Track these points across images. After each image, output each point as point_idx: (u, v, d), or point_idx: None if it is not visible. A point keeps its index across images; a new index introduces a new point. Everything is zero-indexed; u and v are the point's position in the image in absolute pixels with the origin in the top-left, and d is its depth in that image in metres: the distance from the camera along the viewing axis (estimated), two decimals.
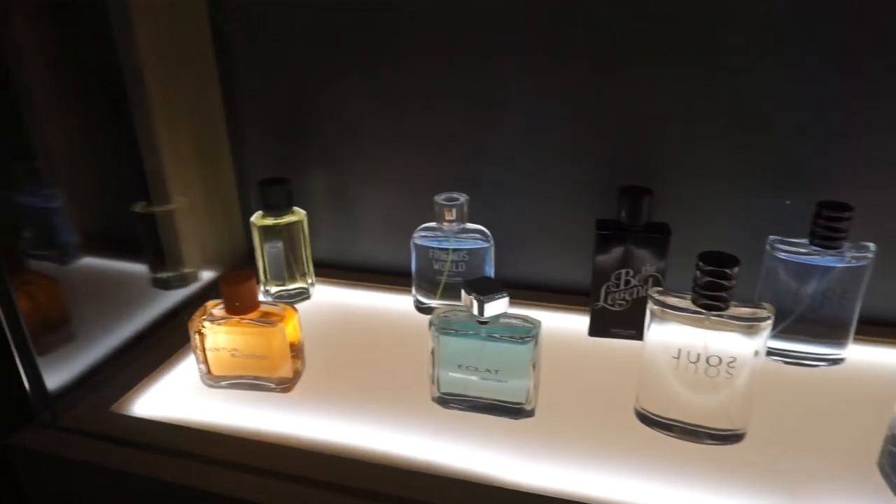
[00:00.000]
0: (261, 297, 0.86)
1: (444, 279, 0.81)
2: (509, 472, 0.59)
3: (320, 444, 0.62)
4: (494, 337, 0.62)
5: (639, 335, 0.75)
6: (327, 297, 0.89)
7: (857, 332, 0.72)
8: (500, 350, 0.62)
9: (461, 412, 0.66)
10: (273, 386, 0.68)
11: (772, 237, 0.71)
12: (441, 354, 0.64)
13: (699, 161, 0.77)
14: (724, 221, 0.78)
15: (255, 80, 0.89)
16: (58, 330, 0.73)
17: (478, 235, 0.80)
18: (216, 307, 0.68)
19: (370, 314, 0.85)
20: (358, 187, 0.91)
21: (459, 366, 0.64)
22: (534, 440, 0.62)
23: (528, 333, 0.62)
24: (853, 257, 0.68)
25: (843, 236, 0.67)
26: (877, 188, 0.73)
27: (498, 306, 0.61)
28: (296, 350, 0.69)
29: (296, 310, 0.70)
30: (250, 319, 0.66)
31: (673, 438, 0.62)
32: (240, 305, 0.66)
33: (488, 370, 0.63)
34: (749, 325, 0.57)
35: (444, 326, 0.63)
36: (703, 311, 0.57)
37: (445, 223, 0.79)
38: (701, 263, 0.56)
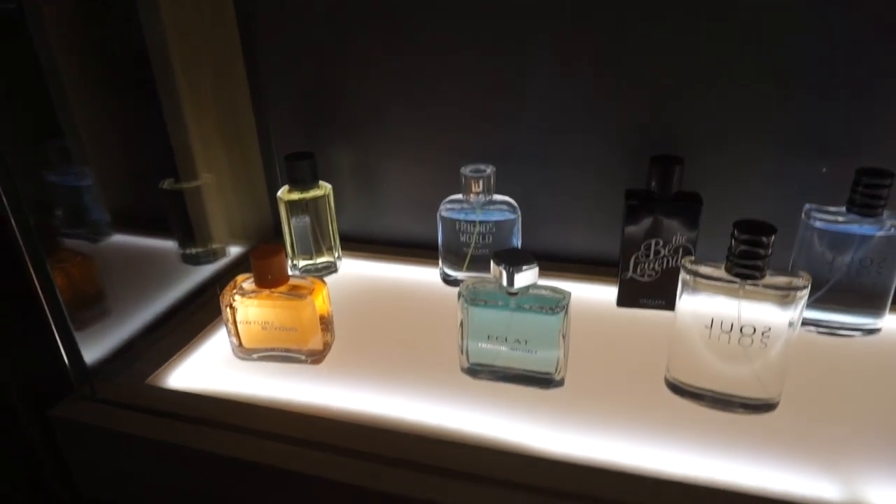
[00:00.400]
0: (289, 272, 0.87)
1: (470, 251, 0.81)
2: (540, 440, 0.59)
3: (352, 414, 0.62)
4: (524, 308, 0.62)
5: (668, 306, 0.75)
6: (354, 270, 0.90)
7: (894, 302, 0.71)
8: (530, 321, 0.62)
9: (491, 382, 0.66)
10: (304, 358, 0.69)
11: (808, 205, 0.69)
12: (470, 325, 0.64)
13: (732, 129, 0.75)
14: (757, 190, 0.77)
15: (279, 57, 0.88)
16: (93, 306, 0.74)
17: (505, 207, 0.79)
18: (246, 281, 0.69)
19: (397, 287, 0.85)
20: (383, 161, 0.91)
21: (489, 336, 0.64)
22: (564, 410, 0.62)
23: (557, 304, 0.61)
24: (892, 225, 0.66)
25: (883, 204, 0.65)
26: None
27: (527, 277, 0.61)
28: (325, 322, 0.69)
29: (324, 283, 0.70)
30: (280, 292, 0.67)
31: (704, 408, 0.62)
32: (270, 279, 0.66)
33: (517, 341, 0.63)
34: (785, 295, 0.56)
35: (473, 297, 0.63)
36: (737, 279, 0.56)
37: (472, 195, 0.79)
38: (737, 231, 0.55)
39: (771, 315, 0.56)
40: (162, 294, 0.82)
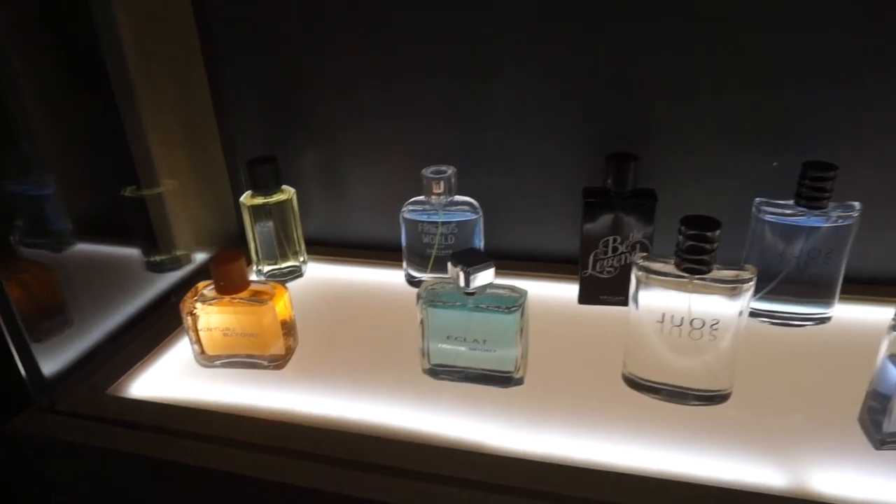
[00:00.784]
0: (253, 277, 0.87)
1: (434, 252, 0.81)
2: (500, 439, 0.60)
3: (314, 419, 0.63)
4: (481, 308, 0.63)
5: (627, 302, 0.76)
6: (320, 274, 0.90)
7: (843, 291, 0.73)
8: (488, 320, 0.63)
9: (452, 383, 0.67)
10: (266, 363, 0.69)
11: (758, 199, 0.71)
12: (430, 327, 0.65)
13: (686, 126, 0.77)
14: (713, 185, 0.78)
15: (240, 58, 0.88)
16: (55, 316, 0.74)
17: (466, 207, 0.80)
18: (207, 288, 0.69)
19: (362, 290, 0.86)
20: (348, 163, 0.91)
21: (448, 337, 0.65)
22: (524, 407, 0.63)
23: (514, 303, 0.62)
24: (839, 217, 0.68)
25: (828, 196, 0.67)
26: (862, 147, 0.73)
27: (484, 277, 0.62)
28: (287, 327, 0.70)
29: (286, 288, 0.70)
30: (241, 298, 0.67)
31: (660, 401, 0.63)
32: (229, 285, 0.67)
33: (476, 340, 0.64)
34: (732, 288, 0.57)
35: (431, 299, 0.64)
36: (685, 274, 0.57)
37: (434, 196, 0.79)
38: (683, 227, 0.56)
39: (720, 307, 0.58)
40: (126, 303, 0.82)
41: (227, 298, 0.67)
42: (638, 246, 0.74)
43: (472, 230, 0.80)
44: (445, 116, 0.84)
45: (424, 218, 0.80)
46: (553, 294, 0.81)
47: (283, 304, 0.69)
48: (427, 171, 0.79)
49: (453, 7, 0.78)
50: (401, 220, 0.82)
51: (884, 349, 0.54)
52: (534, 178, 0.84)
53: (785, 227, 0.70)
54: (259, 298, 0.67)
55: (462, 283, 0.62)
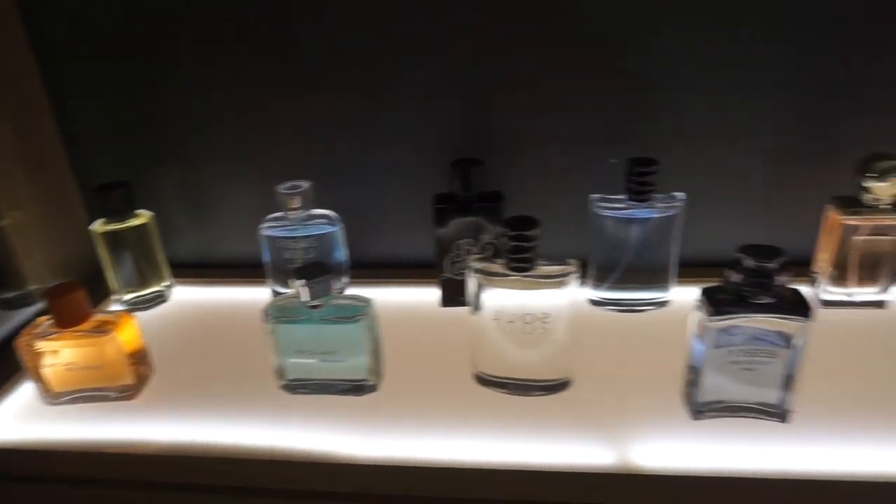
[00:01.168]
0: (115, 307, 0.85)
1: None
2: (353, 447, 0.61)
3: (170, 446, 0.62)
4: (326, 320, 0.63)
5: None
6: (186, 297, 0.88)
7: (680, 275, 0.78)
8: (333, 332, 0.64)
9: (309, 396, 0.67)
10: (115, 395, 0.67)
11: (593, 196, 0.75)
12: (279, 343, 0.65)
13: (531, 128, 0.81)
14: (560, 184, 0.82)
15: (86, 81, 0.85)
16: None
17: (324, 220, 0.81)
18: (46, 322, 0.66)
19: (228, 311, 0.85)
20: (208, 183, 0.90)
21: (298, 351, 0.65)
22: (380, 414, 0.64)
23: (358, 312, 0.63)
24: (665, 207, 0.73)
25: (652, 189, 0.72)
26: (687, 143, 0.78)
27: (324, 289, 0.62)
28: (137, 356, 0.68)
29: (132, 315, 0.69)
30: (81, 331, 0.65)
31: (509, 395, 0.66)
32: (67, 318, 0.64)
33: (326, 352, 0.65)
34: (557, 281, 0.60)
35: (278, 315, 0.64)
36: (512, 273, 0.60)
37: (291, 211, 0.80)
38: (505, 229, 0.59)
39: (549, 301, 0.61)
40: None
41: (66, 331, 0.65)
42: (490, 247, 0.77)
43: (332, 243, 0.81)
44: (302, 131, 0.84)
45: (283, 234, 0.80)
46: (416, 299, 0.82)
47: (128, 333, 0.67)
48: (282, 188, 0.79)
49: (302, 23, 0.78)
50: (261, 238, 0.81)
51: (691, 326, 0.59)
52: (391, 187, 0.85)
53: (619, 220, 0.74)
54: (101, 329, 0.65)
55: (303, 296, 0.62)
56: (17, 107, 0.83)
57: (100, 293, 0.87)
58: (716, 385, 0.59)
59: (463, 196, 0.75)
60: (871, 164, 0.69)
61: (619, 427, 0.61)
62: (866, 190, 0.70)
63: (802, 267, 0.79)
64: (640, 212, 0.73)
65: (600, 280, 0.78)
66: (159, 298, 0.87)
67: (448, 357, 0.72)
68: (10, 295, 0.83)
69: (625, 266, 0.76)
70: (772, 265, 0.54)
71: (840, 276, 0.74)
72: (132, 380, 0.67)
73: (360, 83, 0.80)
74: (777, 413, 0.60)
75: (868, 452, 0.57)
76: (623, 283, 0.77)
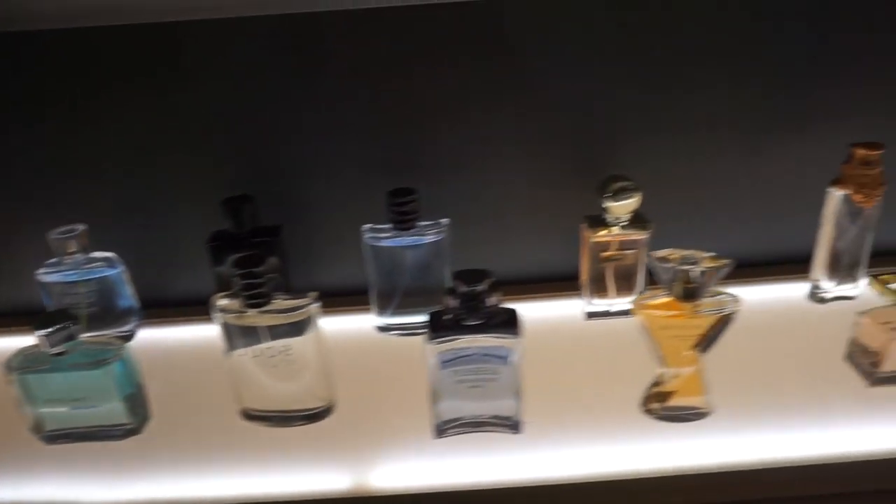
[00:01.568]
0: None
1: (84, 312, 0.80)
2: (116, 494, 0.61)
3: None
4: (70, 366, 0.63)
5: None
6: None
7: None
8: (81, 378, 0.63)
9: (70, 444, 0.67)
10: None
11: (364, 227, 0.78)
12: (29, 393, 0.64)
13: (309, 164, 0.83)
14: (338, 216, 0.85)
15: None
16: None
17: (103, 263, 0.80)
18: None
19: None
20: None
21: (48, 401, 0.64)
22: (143, 457, 0.65)
23: (107, 357, 0.63)
24: (431, 233, 0.77)
25: (414, 217, 0.76)
26: (455, 171, 0.83)
27: (63, 336, 0.62)
28: None
29: None
30: None
31: (274, 428, 0.67)
32: None
33: (77, 399, 0.64)
34: (299, 315, 0.63)
35: (22, 366, 0.63)
36: (247, 310, 0.62)
37: (67, 256, 0.79)
38: (233, 267, 0.61)
39: (292, 334, 0.63)
40: None
41: None
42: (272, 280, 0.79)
43: (114, 285, 0.81)
44: (79, 171, 0.83)
45: (61, 279, 0.79)
46: (197, 336, 0.83)
47: None
48: (55, 234, 0.78)
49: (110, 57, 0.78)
50: (40, 285, 0.80)
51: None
52: (173, 226, 0.85)
53: (392, 248, 0.78)
54: None
55: (44, 345, 0.62)
56: None
57: None
58: (452, 404, 0.63)
59: (235, 232, 0.77)
60: (608, 185, 0.76)
61: (372, 450, 0.64)
62: (606, 209, 0.76)
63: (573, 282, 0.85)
64: (408, 239, 0.77)
65: (382, 307, 0.81)
66: None
67: (216, 392, 0.72)
68: None
69: (402, 291, 0.79)
70: (480, 288, 0.59)
71: (598, 288, 0.80)
72: None
73: (131, 119, 0.80)
74: (510, 425, 0.64)
75: (595, 453, 0.62)
76: (403, 307, 0.80)
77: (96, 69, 0.77)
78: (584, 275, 0.81)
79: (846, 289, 0.80)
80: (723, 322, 0.60)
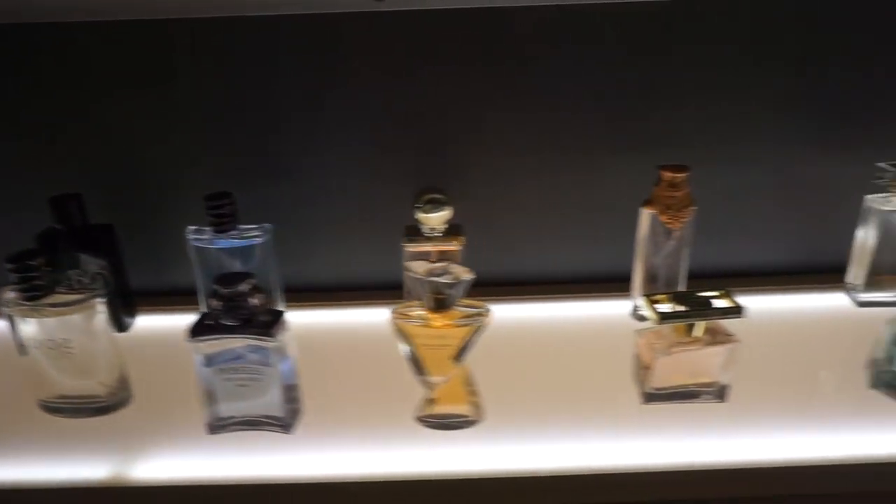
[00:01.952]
0: None
1: None
2: None
3: None
4: None
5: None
6: None
7: (292, 299, 0.85)
8: None
9: None
10: None
11: (188, 228, 0.80)
12: None
13: (134, 162, 0.86)
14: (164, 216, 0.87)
15: None
16: None
17: None
18: None
19: None
20: None
21: None
22: None
23: None
24: (251, 236, 0.79)
25: (229, 220, 0.78)
26: (280, 177, 0.86)
27: None
28: None
29: None
30: None
31: (70, 419, 0.70)
32: None
33: None
34: (83, 307, 0.65)
35: None
36: (25, 303, 0.64)
37: None
38: (6, 263, 0.63)
39: (71, 327, 0.66)
40: None
41: None
42: (98, 277, 0.81)
43: None
44: None
45: None
46: None
47: None
48: None
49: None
50: None
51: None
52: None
53: (214, 251, 0.80)
54: None
55: None
56: None
57: None
58: (223, 402, 0.65)
59: (61, 229, 0.80)
60: (420, 197, 0.78)
61: (145, 445, 0.66)
62: (420, 221, 0.78)
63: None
64: (226, 241, 0.79)
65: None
66: None
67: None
68: None
69: None
70: (240, 290, 0.61)
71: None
72: None
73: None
74: (281, 424, 0.66)
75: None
76: None
77: None
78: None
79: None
80: (475, 332, 0.62)
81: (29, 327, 0.66)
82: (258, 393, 0.64)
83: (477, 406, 0.66)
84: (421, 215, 0.77)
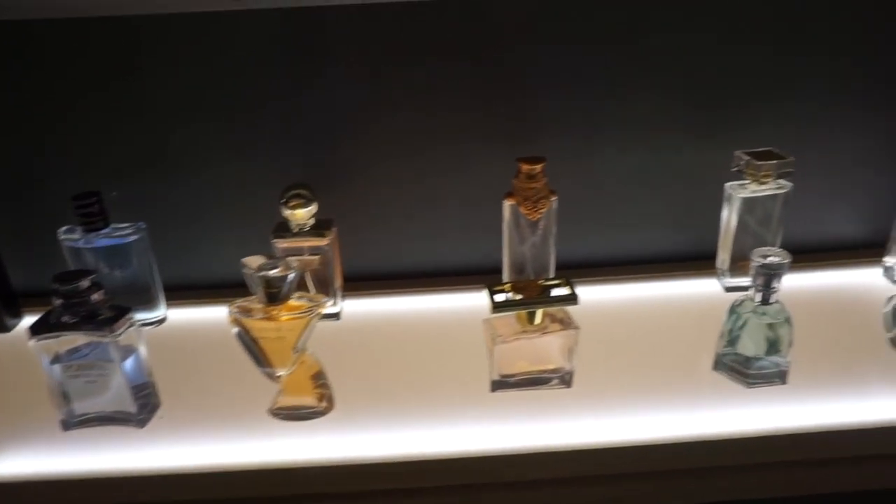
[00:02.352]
0: None
1: None
2: None
3: None
4: None
5: None
6: None
7: (175, 297, 0.86)
8: None
9: None
10: None
11: (60, 229, 0.81)
12: None
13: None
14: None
15: None
16: None
17: None
18: None
19: None
20: None
21: None
22: None
23: None
24: (124, 234, 0.81)
25: (98, 219, 0.79)
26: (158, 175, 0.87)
27: None
28: None
29: None
30: None
31: None
32: None
33: None
34: None
35: None
36: None
37: None
38: None
39: None
40: None
41: None
42: None
43: None
44: None
45: None
46: None
47: None
48: None
49: None
50: None
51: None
52: None
53: (87, 250, 0.81)
54: None
55: None
56: None
57: None
58: (74, 399, 0.66)
59: None
60: (284, 194, 0.79)
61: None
62: (286, 217, 0.80)
63: None
64: (102, 240, 0.80)
65: None
66: None
67: None
68: None
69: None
70: (79, 287, 0.62)
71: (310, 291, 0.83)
72: None
73: None
74: (135, 420, 0.67)
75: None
76: None
77: None
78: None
79: None
80: (311, 322, 0.63)
81: None
82: (104, 389, 0.66)
83: (326, 397, 0.68)
84: (286, 211, 0.79)
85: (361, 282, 0.91)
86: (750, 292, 0.68)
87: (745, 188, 0.80)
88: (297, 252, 0.81)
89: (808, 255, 0.92)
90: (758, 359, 0.68)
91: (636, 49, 0.83)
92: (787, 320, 0.67)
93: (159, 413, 0.69)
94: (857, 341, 0.76)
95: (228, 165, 0.87)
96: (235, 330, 0.64)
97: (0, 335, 0.85)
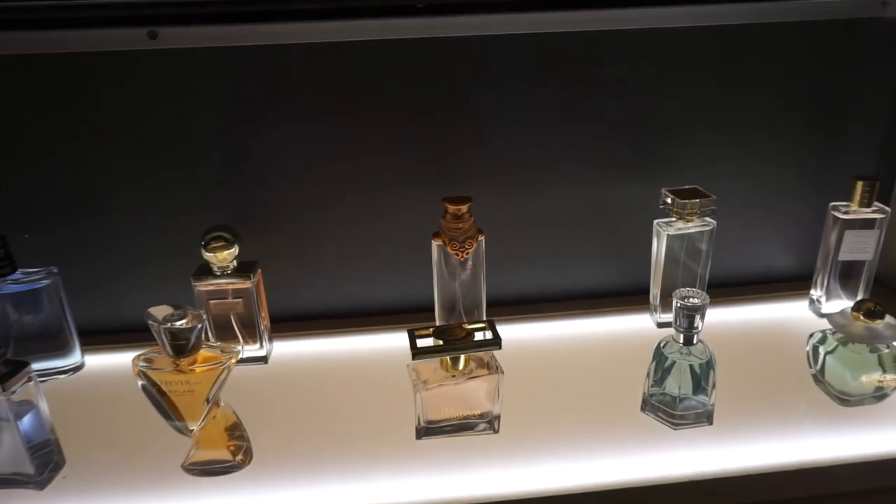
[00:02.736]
0: None
1: None
2: None
3: None
4: None
5: None
6: None
7: (90, 342, 0.82)
8: None
9: None
10: None
11: None
12: None
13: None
14: None
15: None
16: None
17: None
18: None
19: None
20: None
21: None
22: None
23: None
24: (34, 280, 0.77)
25: (4, 264, 0.75)
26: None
27: None
28: None
29: None
30: None
31: None
32: None
33: None
34: None
35: None
36: None
37: None
38: None
39: None
40: None
41: None
42: None
43: None
44: None
45: None
46: None
47: None
48: None
49: None
50: None
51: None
52: None
53: (2, 295, 0.76)
54: None
55: None
56: None
57: None
58: None
59: None
60: (205, 236, 0.76)
61: None
62: (207, 260, 0.77)
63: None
64: (8, 286, 0.76)
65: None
66: None
67: None
68: None
69: (13, 338, 0.78)
70: None
71: (225, 335, 0.80)
72: None
73: None
74: (33, 482, 0.63)
75: None
76: (23, 355, 0.79)
77: None
78: (209, 322, 0.81)
79: None
80: (223, 374, 0.61)
81: None
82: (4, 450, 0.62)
83: (243, 450, 0.65)
84: (207, 254, 0.76)
85: (293, 322, 0.89)
86: (673, 332, 0.68)
87: (672, 225, 0.80)
88: (222, 295, 0.79)
89: (738, 287, 0.93)
90: (684, 398, 0.68)
91: (564, 90, 0.83)
92: (710, 360, 0.67)
93: (62, 473, 0.65)
94: (782, 377, 0.76)
95: (151, 209, 0.84)
96: (141, 383, 0.61)
97: None
